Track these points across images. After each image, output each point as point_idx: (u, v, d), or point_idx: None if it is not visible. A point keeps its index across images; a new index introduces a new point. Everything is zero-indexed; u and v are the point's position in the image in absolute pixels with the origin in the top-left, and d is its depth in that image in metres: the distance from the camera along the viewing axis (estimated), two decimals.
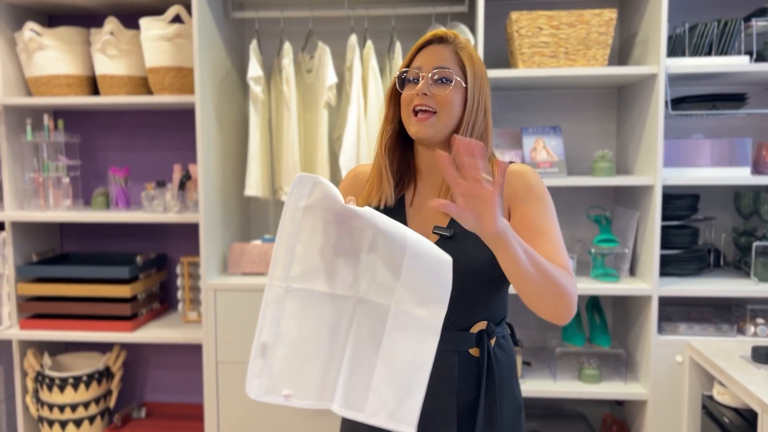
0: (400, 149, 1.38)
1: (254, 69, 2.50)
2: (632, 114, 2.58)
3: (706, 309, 2.60)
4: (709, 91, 2.50)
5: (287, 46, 2.55)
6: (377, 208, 1.34)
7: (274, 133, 2.69)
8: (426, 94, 1.26)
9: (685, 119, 2.65)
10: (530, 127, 2.55)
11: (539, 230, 1.26)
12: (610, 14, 2.33)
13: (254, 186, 2.57)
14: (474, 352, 1.32)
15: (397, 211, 1.36)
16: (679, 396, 2.36)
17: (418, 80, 1.29)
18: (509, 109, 2.79)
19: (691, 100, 2.42)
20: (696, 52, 2.37)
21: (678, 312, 2.57)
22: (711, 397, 2.19)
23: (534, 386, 2.46)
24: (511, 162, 1.38)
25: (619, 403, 2.74)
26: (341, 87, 2.63)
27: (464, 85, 1.29)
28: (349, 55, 2.52)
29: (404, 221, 1.34)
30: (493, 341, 1.34)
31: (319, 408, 1.13)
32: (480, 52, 2.34)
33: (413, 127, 1.28)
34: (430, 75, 1.27)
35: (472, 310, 1.31)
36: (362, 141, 2.48)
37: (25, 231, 2.79)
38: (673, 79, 2.48)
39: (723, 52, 2.35)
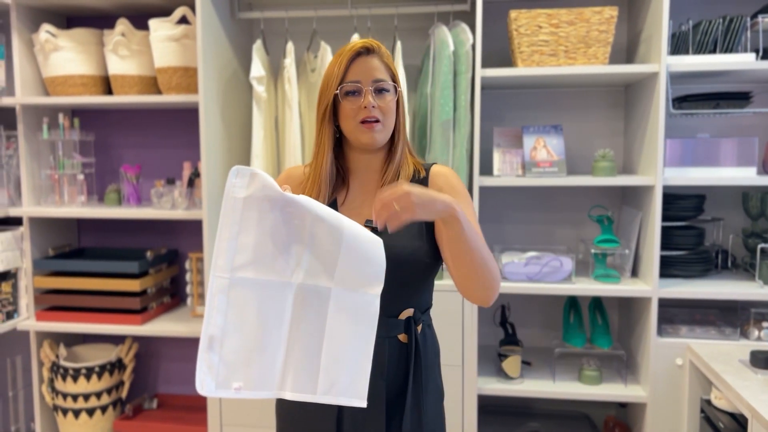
0: (333, 154, 1.47)
1: (257, 69, 2.54)
2: (637, 112, 2.54)
3: (711, 311, 2.55)
4: (717, 89, 2.45)
5: (290, 46, 2.59)
6: None
7: (279, 132, 2.74)
8: (374, 107, 1.37)
9: (692, 118, 2.60)
10: (531, 126, 2.53)
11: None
12: (611, 12, 2.30)
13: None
14: (402, 338, 1.42)
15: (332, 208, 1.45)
16: (679, 399, 2.33)
17: (357, 93, 1.38)
18: (512, 108, 2.78)
19: (693, 98, 2.37)
20: (700, 49, 2.32)
21: (682, 314, 2.53)
22: (709, 402, 2.16)
23: (533, 386, 2.45)
24: (433, 164, 1.51)
25: (623, 405, 2.71)
26: None
27: (397, 89, 1.42)
28: None
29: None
30: (419, 328, 1.44)
31: (271, 397, 1.16)
32: (479, 51, 2.34)
33: (366, 137, 1.39)
34: (371, 88, 1.38)
35: (400, 297, 1.41)
36: None
37: (42, 226, 2.89)
38: (679, 78, 2.44)
39: (728, 49, 2.30)
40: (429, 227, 1.42)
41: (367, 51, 1.39)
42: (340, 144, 1.47)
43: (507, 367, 2.48)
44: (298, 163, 2.62)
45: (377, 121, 1.38)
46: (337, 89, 1.38)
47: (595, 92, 2.74)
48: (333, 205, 1.46)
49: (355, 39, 2.55)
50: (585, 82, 2.60)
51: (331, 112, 1.41)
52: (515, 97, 2.78)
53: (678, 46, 2.39)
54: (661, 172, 2.28)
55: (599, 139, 2.74)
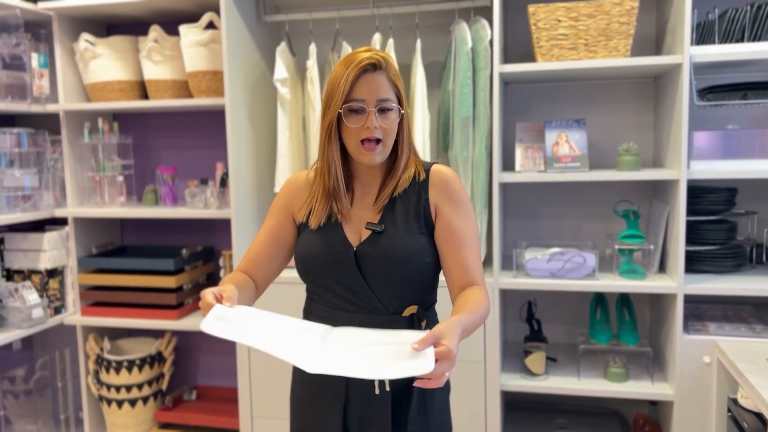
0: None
1: (280, 71, 2.60)
2: (665, 104, 2.48)
3: (744, 308, 2.48)
4: (745, 79, 2.37)
5: (312, 48, 2.64)
6: (329, 220, 1.49)
7: (305, 132, 2.79)
8: (376, 127, 1.39)
9: (724, 109, 2.52)
10: (553, 120, 2.51)
11: (461, 238, 1.45)
12: (632, 3, 2.25)
13: (283, 183, 2.67)
14: None
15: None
16: (706, 398, 2.27)
17: (361, 111, 1.39)
18: (538, 102, 2.76)
19: (720, 89, 2.30)
20: (727, 38, 2.25)
21: (713, 310, 2.47)
22: (736, 401, 2.10)
23: (558, 383, 2.44)
24: (434, 163, 1.53)
25: (654, 403, 2.66)
26: None
27: (401, 110, 1.44)
28: None
29: (341, 223, 1.50)
30: (423, 324, 1.45)
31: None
32: (497, 46, 2.33)
33: (365, 158, 1.42)
34: (374, 108, 1.39)
35: (403, 295, 1.45)
36: None
37: (86, 225, 3.04)
38: (706, 68, 2.37)
39: (756, 37, 2.21)
40: (428, 227, 1.46)
41: (373, 68, 1.39)
42: (346, 151, 1.48)
43: (530, 363, 2.47)
44: None
45: (378, 141, 1.40)
46: (341, 107, 1.39)
47: (623, 84, 2.69)
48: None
49: (376, 39, 2.58)
50: (611, 75, 2.56)
51: (336, 127, 1.43)
52: (540, 91, 2.75)
53: (704, 35, 2.32)
54: (685, 165, 2.23)
55: (628, 132, 2.69)
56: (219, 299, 1.30)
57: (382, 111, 1.39)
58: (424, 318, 1.47)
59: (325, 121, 1.44)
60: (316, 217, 1.49)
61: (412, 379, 1.40)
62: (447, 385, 1.54)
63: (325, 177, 1.48)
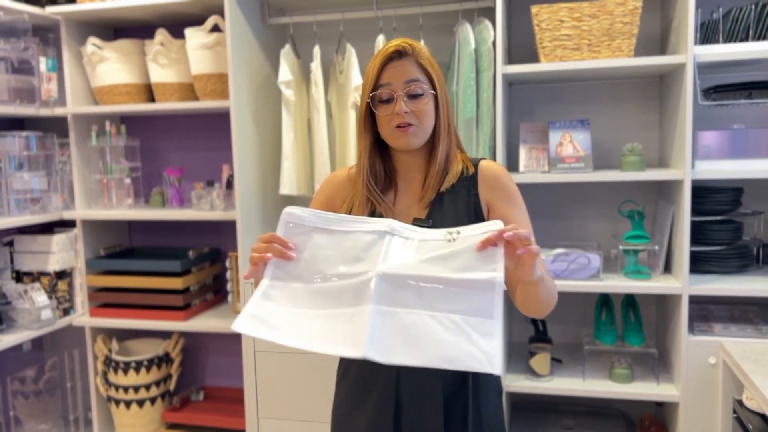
0: (379, 157, 1.47)
1: (284, 73, 2.61)
2: (670, 104, 2.47)
3: (751, 309, 2.46)
4: (751, 78, 2.36)
5: (316, 50, 2.65)
6: (374, 216, 1.43)
7: (310, 134, 2.80)
8: (406, 112, 1.36)
9: (730, 109, 2.51)
10: (558, 121, 2.50)
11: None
12: (635, 3, 2.25)
13: (288, 185, 2.69)
14: None
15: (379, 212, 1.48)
16: (712, 399, 2.26)
17: (390, 99, 1.38)
18: (543, 102, 2.75)
19: (724, 89, 2.29)
20: (731, 38, 2.24)
21: (719, 311, 2.46)
22: (741, 402, 2.09)
23: (563, 384, 2.43)
24: (481, 159, 1.48)
25: (660, 404, 2.65)
26: None
27: (432, 92, 1.39)
28: None
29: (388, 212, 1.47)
30: None
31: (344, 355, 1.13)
32: (500, 47, 2.33)
33: (401, 140, 1.39)
34: (403, 93, 1.36)
35: None
36: None
37: (94, 227, 3.06)
38: (711, 67, 2.36)
39: (761, 36, 2.20)
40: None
41: (399, 54, 1.38)
42: (386, 146, 1.48)
43: (535, 364, 2.47)
44: (326, 164, 2.68)
45: (410, 125, 1.37)
46: (369, 97, 1.39)
47: (627, 84, 2.68)
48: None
49: (380, 40, 2.59)
50: (616, 75, 2.55)
51: (368, 118, 1.43)
52: (544, 91, 2.75)
53: (708, 35, 2.31)
54: (689, 165, 2.22)
55: (633, 132, 2.68)
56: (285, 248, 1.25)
57: (412, 97, 1.37)
58: None
59: (359, 113, 1.44)
60: (357, 214, 1.45)
61: (462, 384, 1.39)
62: (499, 386, 1.49)
63: (360, 171, 1.46)
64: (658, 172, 2.33)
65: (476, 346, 1.10)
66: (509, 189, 1.44)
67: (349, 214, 1.46)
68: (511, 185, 1.44)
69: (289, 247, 1.25)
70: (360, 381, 1.44)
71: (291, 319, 1.19)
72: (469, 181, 1.44)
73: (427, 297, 1.15)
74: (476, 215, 1.41)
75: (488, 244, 1.16)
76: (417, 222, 1.40)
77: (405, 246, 1.23)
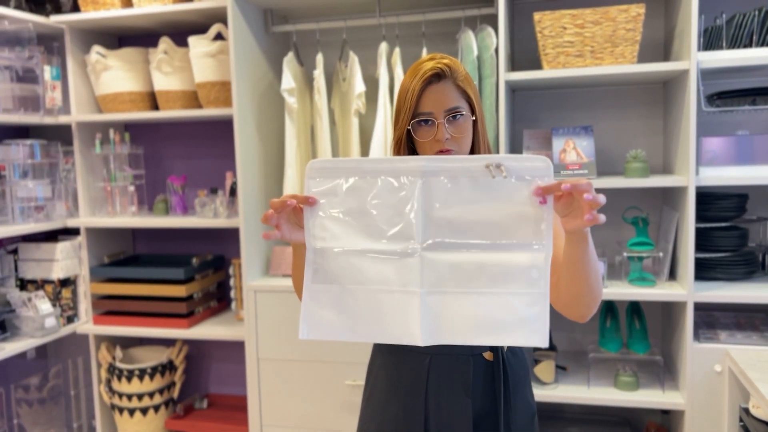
0: None
1: (287, 81, 2.61)
2: (674, 110, 2.47)
3: (757, 315, 2.45)
4: (755, 84, 2.35)
5: (319, 57, 2.65)
6: None
7: (313, 141, 2.81)
8: (447, 138, 1.35)
9: (734, 115, 2.50)
10: (561, 128, 2.50)
11: (556, 232, 1.29)
12: (638, 9, 2.24)
13: (291, 192, 2.68)
14: (488, 356, 1.39)
15: None
16: (718, 407, 2.25)
17: (431, 123, 1.36)
18: (546, 109, 2.75)
19: (728, 95, 2.28)
20: (735, 44, 2.23)
21: (724, 318, 2.44)
22: (747, 411, 2.07)
23: (567, 392, 2.42)
24: None
25: (666, 412, 2.63)
26: (375, 94, 2.69)
27: (473, 117, 1.39)
28: (379, 62, 2.58)
29: None
30: (506, 347, 1.40)
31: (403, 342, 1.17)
32: (502, 54, 2.33)
33: None
34: (443, 120, 1.35)
35: None
36: (388, 148, 2.53)
37: (98, 235, 3.07)
38: (715, 73, 2.35)
39: (765, 42, 2.19)
40: None
41: (438, 78, 1.35)
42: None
43: (539, 372, 2.45)
44: None
45: (449, 150, 1.36)
46: (409, 123, 1.37)
47: (631, 91, 2.67)
48: None
49: (383, 48, 2.58)
50: (619, 81, 2.54)
51: (406, 141, 1.41)
52: (549, 98, 2.75)
53: (712, 41, 2.30)
54: (693, 171, 2.21)
55: (637, 138, 2.67)
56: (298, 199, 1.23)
57: (452, 119, 1.35)
58: None
59: (395, 135, 1.41)
60: None
61: (492, 406, 1.37)
62: (532, 408, 1.46)
63: None
64: (663, 178, 2.32)
65: (524, 322, 1.13)
66: None
67: None
68: None
69: (310, 198, 1.23)
70: (383, 401, 1.44)
71: (344, 306, 1.21)
72: None
73: (471, 277, 1.16)
74: None
75: (538, 195, 1.12)
76: None
77: (440, 192, 1.18)
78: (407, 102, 1.37)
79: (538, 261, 1.13)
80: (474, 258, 1.16)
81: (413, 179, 1.19)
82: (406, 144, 1.41)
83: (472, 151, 1.41)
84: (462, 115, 1.35)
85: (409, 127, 1.37)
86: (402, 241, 1.19)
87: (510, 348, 1.41)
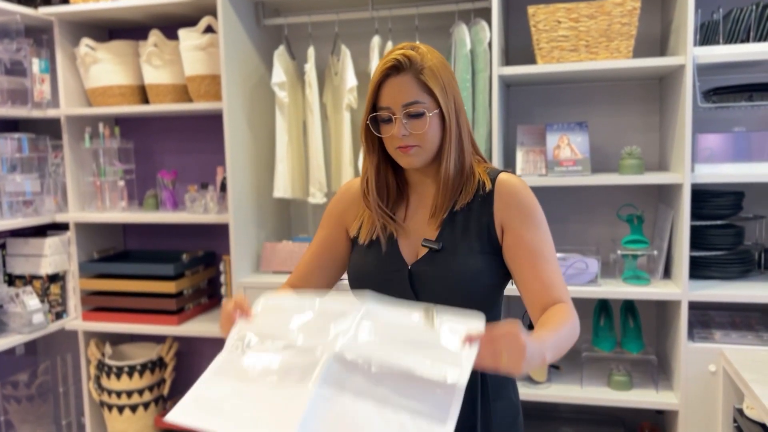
0: (390, 170, 1.39)
1: (278, 75, 2.58)
2: (669, 106, 2.43)
3: (753, 315, 2.42)
4: (752, 80, 2.32)
5: (311, 51, 2.62)
6: (385, 234, 1.37)
7: (305, 136, 2.77)
8: (406, 135, 1.27)
9: (731, 111, 2.46)
10: (555, 123, 2.46)
11: (536, 253, 1.28)
12: (633, 3, 2.21)
13: (281, 188, 2.65)
14: None
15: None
16: (712, 408, 2.22)
17: (389, 120, 1.29)
18: (541, 105, 2.71)
19: (724, 91, 2.24)
20: (731, 39, 2.20)
21: (719, 317, 2.41)
22: (742, 411, 2.04)
23: (560, 391, 2.39)
24: (501, 171, 1.35)
25: (659, 412, 2.61)
26: (367, 89, 2.66)
27: (436, 110, 1.28)
28: (371, 57, 2.55)
29: (397, 238, 1.38)
30: None
31: None
32: (495, 48, 2.29)
33: (403, 161, 1.32)
34: (401, 115, 1.27)
35: None
36: None
37: (88, 230, 3.03)
38: (711, 69, 2.32)
39: (762, 38, 2.16)
40: (493, 245, 1.32)
41: (396, 70, 1.27)
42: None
43: (532, 371, 2.42)
44: (321, 167, 2.64)
45: (412, 146, 1.29)
46: (368, 118, 1.32)
47: (626, 86, 2.64)
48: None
49: (375, 42, 2.55)
50: (614, 76, 2.51)
51: (372, 135, 1.35)
52: (543, 93, 2.71)
53: (708, 36, 2.27)
54: (689, 168, 2.18)
55: (633, 135, 2.64)
56: (241, 310, 1.23)
57: (413, 117, 1.27)
58: None
59: (361, 134, 1.37)
60: (365, 232, 1.39)
61: (471, 404, 1.29)
62: (516, 408, 1.41)
63: (368, 191, 1.37)
64: (658, 175, 2.28)
65: None
66: (525, 206, 1.31)
67: (359, 231, 1.40)
68: (529, 201, 1.31)
69: (248, 310, 1.23)
70: None
71: (235, 400, 1.11)
72: (484, 199, 1.32)
73: (380, 385, 1.05)
74: (489, 238, 1.31)
75: (465, 342, 1.06)
76: (426, 243, 1.32)
77: (376, 326, 1.14)
78: (368, 95, 1.32)
79: (453, 398, 1.02)
80: (388, 374, 1.06)
81: (355, 314, 1.15)
82: (372, 144, 1.36)
83: (440, 152, 1.31)
84: (422, 113, 1.27)
85: (368, 122, 1.32)
86: (316, 346, 1.13)
87: None
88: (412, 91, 1.26)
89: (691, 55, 2.13)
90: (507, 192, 1.31)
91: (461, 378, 1.02)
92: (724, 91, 2.25)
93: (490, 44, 2.33)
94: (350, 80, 2.54)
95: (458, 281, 1.28)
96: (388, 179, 1.38)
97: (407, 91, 1.26)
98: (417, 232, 1.36)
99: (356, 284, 1.39)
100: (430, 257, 1.32)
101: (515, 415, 1.41)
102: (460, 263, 1.29)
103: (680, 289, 2.23)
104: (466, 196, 1.32)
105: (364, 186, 1.39)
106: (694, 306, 2.44)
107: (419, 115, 1.27)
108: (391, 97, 1.28)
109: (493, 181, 1.33)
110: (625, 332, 2.50)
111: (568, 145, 2.40)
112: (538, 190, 2.72)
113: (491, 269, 1.31)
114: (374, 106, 1.32)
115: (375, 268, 1.36)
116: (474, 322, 1.09)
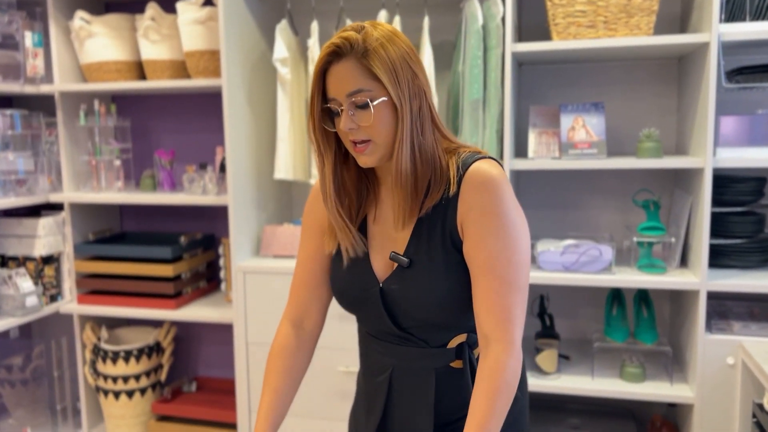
0: (353, 167, 1.24)
1: (280, 50, 2.47)
2: (689, 87, 2.32)
3: None
4: None
5: (314, 26, 2.50)
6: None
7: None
8: (354, 128, 1.13)
9: (755, 93, 2.35)
10: (570, 104, 2.35)
11: (488, 267, 1.12)
12: None
13: (283, 169, 2.55)
14: (456, 364, 1.24)
15: (361, 231, 1.27)
16: (729, 402, 2.13)
17: (337, 112, 1.15)
18: (554, 84, 2.60)
19: (749, 71, 2.13)
20: (758, 15, 2.08)
21: (738, 308, 2.32)
22: (761, 406, 1.96)
23: (570, 383, 2.31)
24: (475, 159, 1.17)
25: (672, 405, 2.52)
26: None
27: (384, 97, 1.12)
28: None
29: (366, 242, 1.27)
30: (476, 351, 1.24)
31: None
32: (509, 24, 2.18)
33: (359, 160, 1.17)
34: (347, 106, 1.12)
35: (445, 330, 1.22)
36: None
37: (83, 211, 2.94)
38: (735, 47, 2.21)
39: None
40: (459, 251, 1.17)
41: (337, 56, 1.11)
42: None
43: (541, 361, 2.34)
44: None
45: (365, 141, 1.14)
46: (314, 112, 1.17)
47: (645, 65, 2.52)
48: (363, 223, 1.28)
49: (382, 16, 2.44)
50: (631, 55, 2.40)
51: (324, 133, 1.19)
52: (556, 72, 2.60)
53: (734, 12, 2.15)
54: (711, 152, 2.07)
55: (649, 117, 2.53)
56: None
57: (359, 107, 1.12)
58: (476, 345, 1.24)
59: (308, 131, 1.21)
60: (333, 241, 1.27)
61: (463, 406, 1.23)
62: (520, 403, 1.30)
63: (326, 198, 1.22)
64: (678, 159, 2.18)
65: None
66: (488, 203, 1.12)
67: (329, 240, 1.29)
68: (494, 199, 1.12)
69: None
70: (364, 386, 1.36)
71: None
72: (450, 199, 1.16)
73: None
74: (453, 246, 1.17)
75: None
76: (394, 257, 1.20)
77: None
78: (312, 90, 1.17)
79: None
80: None
81: None
82: (327, 135, 1.19)
83: (394, 146, 1.14)
84: (366, 103, 1.11)
85: (319, 117, 1.16)
86: None
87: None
88: (356, 79, 1.11)
89: (716, 32, 2.02)
90: (472, 187, 1.14)
91: None
92: (750, 71, 2.13)
93: (503, 19, 2.21)
94: None
95: (430, 302, 1.17)
96: (347, 178, 1.24)
97: (349, 79, 1.11)
98: (389, 239, 1.24)
99: (339, 300, 1.30)
100: (399, 274, 1.20)
101: (520, 410, 1.31)
102: (431, 280, 1.17)
103: (698, 278, 2.13)
104: (433, 198, 1.17)
105: (323, 190, 1.22)
106: (711, 296, 2.35)
107: (365, 106, 1.12)
108: (334, 86, 1.13)
109: (461, 176, 1.16)
110: (638, 322, 2.41)
111: (583, 127, 2.30)
112: (551, 174, 2.63)
113: (463, 283, 1.17)
114: (325, 98, 1.16)
115: (348, 285, 1.26)
116: None
